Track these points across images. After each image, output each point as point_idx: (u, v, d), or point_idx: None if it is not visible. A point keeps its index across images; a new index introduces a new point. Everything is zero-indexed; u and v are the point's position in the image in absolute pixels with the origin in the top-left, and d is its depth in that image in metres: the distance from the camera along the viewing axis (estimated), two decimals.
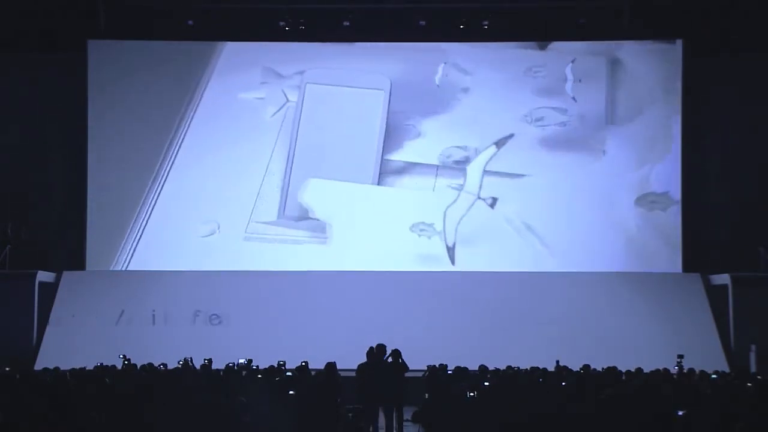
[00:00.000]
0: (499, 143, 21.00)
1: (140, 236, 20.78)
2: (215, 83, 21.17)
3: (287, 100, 21.17)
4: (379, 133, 20.95)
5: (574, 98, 21.08)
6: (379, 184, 20.96)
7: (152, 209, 20.84)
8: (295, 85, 21.15)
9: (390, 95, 20.96)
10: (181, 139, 21.04)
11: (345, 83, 21.15)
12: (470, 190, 20.94)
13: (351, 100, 21.14)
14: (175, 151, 20.99)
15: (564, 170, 21.02)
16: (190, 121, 21.06)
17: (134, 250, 20.78)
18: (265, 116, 21.17)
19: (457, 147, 21.02)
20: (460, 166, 21.04)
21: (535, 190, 20.94)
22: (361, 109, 21.14)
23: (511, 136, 21.03)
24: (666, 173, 20.90)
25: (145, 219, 20.82)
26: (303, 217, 20.85)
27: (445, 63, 21.20)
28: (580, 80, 21.08)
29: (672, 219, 20.84)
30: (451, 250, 20.90)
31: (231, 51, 21.29)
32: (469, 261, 20.83)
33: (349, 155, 21.02)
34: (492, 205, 20.86)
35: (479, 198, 20.93)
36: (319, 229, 20.84)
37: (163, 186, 20.92)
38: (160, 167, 20.93)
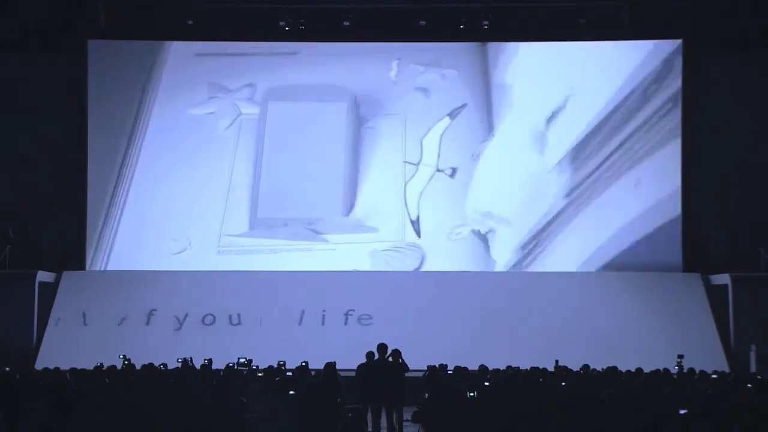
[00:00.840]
0: (452, 114, 21.01)
1: (110, 253, 20.75)
2: (163, 101, 21.08)
3: (240, 113, 21.12)
4: (345, 142, 20.94)
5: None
6: (356, 188, 20.92)
7: (118, 224, 20.78)
8: (245, 98, 21.10)
9: (354, 105, 20.95)
10: (135, 157, 20.90)
11: (306, 98, 21.01)
12: (428, 162, 20.94)
13: (313, 113, 21.05)
14: (131, 168, 20.86)
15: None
16: (142, 141, 20.95)
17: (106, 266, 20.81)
18: (219, 130, 21.10)
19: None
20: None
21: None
22: (324, 121, 21.07)
23: (464, 106, 21.02)
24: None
25: (112, 233, 20.77)
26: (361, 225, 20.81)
27: (398, 60, 21.15)
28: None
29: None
30: (415, 224, 20.91)
31: (173, 68, 21.13)
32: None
33: (318, 162, 20.96)
34: (452, 176, 20.86)
35: (438, 170, 20.93)
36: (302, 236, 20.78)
37: (124, 206, 20.79)
38: (117, 182, 20.81)
